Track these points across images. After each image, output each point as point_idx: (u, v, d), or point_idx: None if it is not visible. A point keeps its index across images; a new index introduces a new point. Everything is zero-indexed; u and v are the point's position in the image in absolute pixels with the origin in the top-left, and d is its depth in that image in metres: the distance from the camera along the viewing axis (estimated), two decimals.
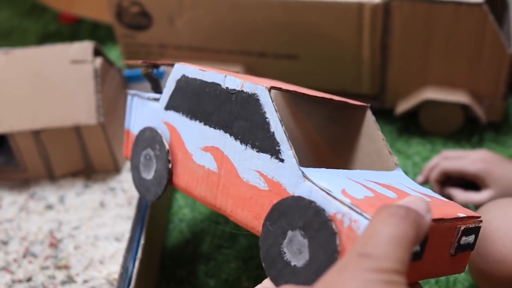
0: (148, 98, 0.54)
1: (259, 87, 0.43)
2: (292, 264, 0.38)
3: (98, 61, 0.74)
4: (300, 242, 0.38)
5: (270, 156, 0.42)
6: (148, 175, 0.53)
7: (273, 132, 0.42)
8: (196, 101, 0.49)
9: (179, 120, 0.50)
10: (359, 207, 0.35)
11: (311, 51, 0.79)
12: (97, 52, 0.76)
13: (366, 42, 0.76)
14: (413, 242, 0.32)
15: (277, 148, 0.41)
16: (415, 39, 0.74)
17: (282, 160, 0.41)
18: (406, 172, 0.73)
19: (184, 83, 0.50)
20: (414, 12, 0.72)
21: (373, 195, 0.38)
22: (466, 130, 0.79)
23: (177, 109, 0.50)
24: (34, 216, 0.71)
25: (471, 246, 0.40)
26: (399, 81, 0.78)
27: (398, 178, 0.45)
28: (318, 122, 0.57)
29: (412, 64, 0.76)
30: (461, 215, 0.38)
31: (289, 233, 0.39)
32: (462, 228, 0.38)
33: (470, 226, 0.39)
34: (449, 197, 0.69)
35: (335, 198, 0.37)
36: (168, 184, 0.51)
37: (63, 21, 1.15)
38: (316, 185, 0.38)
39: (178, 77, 0.51)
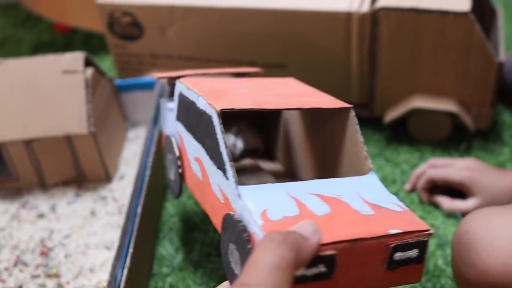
0: (168, 109, 0.61)
1: (212, 110, 0.47)
2: (235, 272, 0.42)
3: (89, 71, 0.75)
4: (235, 255, 0.42)
5: (222, 173, 0.46)
6: (171, 175, 0.60)
7: (221, 152, 0.46)
8: (187, 116, 0.54)
9: (182, 131, 0.56)
10: (264, 230, 0.38)
11: (300, 60, 0.80)
12: (88, 62, 0.76)
13: (354, 51, 0.77)
14: (292, 265, 0.33)
15: (224, 166, 0.45)
16: (402, 48, 0.75)
17: (227, 178, 0.45)
18: (394, 180, 0.74)
19: (182, 98, 0.55)
20: (401, 21, 0.73)
21: (297, 214, 0.40)
22: (455, 138, 0.80)
23: (181, 121, 0.56)
24: (25, 224, 0.72)
25: (416, 260, 0.40)
26: (388, 90, 0.79)
27: (362, 185, 0.45)
28: (315, 126, 0.59)
29: (400, 73, 0.77)
30: (393, 231, 0.39)
31: (230, 245, 0.43)
32: (393, 245, 0.39)
33: (409, 241, 0.39)
34: (437, 205, 0.70)
35: (253, 219, 0.40)
36: (181, 185, 0.58)
37: (57, 31, 1.15)
38: (245, 204, 0.41)
39: (178, 92, 0.56)
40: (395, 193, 0.71)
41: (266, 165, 0.66)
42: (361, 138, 0.49)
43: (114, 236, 0.69)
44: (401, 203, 0.43)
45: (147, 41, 0.85)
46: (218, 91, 0.51)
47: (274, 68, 0.82)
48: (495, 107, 0.77)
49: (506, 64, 0.83)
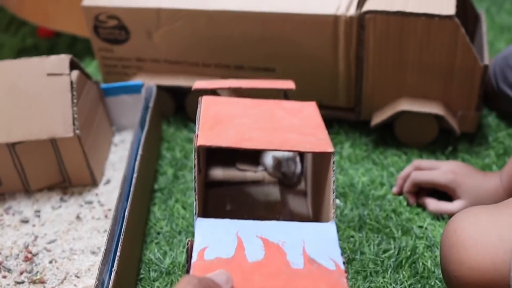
0: None
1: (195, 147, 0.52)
2: None
3: (75, 74, 0.74)
4: None
5: None
6: None
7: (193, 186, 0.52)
8: None
9: None
10: (193, 268, 0.44)
11: (287, 64, 0.80)
12: (73, 65, 0.76)
13: (341, 54, 0.77)
14: None
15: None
16: (389, 52, 0.75)
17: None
18: (382, 183, 0.74)
19: None
20: (388, 24, 0.73)
21: (229, 257, 0.45)
22: (441, 141, 0.80)
23: None
24: (8, 230, 0.70)
25: None
26: (375, 93, 0.79)
27: (314, 234, 0.48)
28: (315, 162, 0.63)
29: (386, 76, 0.77)
30: None
31: None
32: None
33: None
34: (424, 206, 0.70)
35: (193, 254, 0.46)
36: None
37: (41, 35, 1.14)
38: (195, 237, 0.47)
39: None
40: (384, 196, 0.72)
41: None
42: (333, 185, 0.51)
43: (100, 241, 0.68)
44: (340, 261, 0.46)
45: (133, 44, 0.84)
46: (220, 119, 0.55)
47: (261, 71, 0.82)
48: (480, 110, 0.77)
49: (490, 69, 0.84)
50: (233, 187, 0.68)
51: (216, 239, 0.47)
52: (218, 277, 0.43)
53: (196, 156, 0.52)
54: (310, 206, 0.64)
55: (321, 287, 0.43)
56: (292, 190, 0.68)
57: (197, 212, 0.50)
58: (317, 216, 0.58)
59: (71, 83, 0.73)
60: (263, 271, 0.44)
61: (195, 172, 0.52)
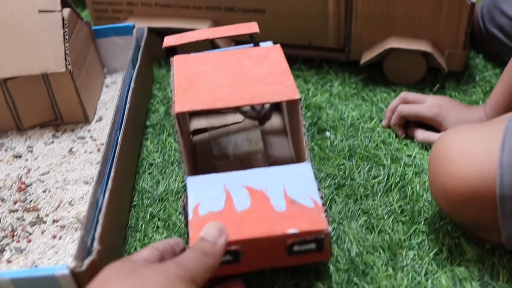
0: None
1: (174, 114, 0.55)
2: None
3: (66, 10, 0.74)
4: None
5: None
6: None
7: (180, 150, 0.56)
8: None
9: None
10: (190, 225, 0.49)
11: (277, 5, 0.81)
12: (65, 3, 0.76)
13: None
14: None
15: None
16: None
17: None
18: (371, 117, 0.75)
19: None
20: None
21: (221, 209, 0.50)
22: (429, 79, 0.81)
23: None
24: (1, 164, 0.71)
25: (316, 250, 0.49)
26: (364, 33, 0.80)
27: (292, 176, 0.53)
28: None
29: (375, 16, 0.78)
30: (291, 231, 0.47)
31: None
32: (290, 241, 0.48)
33: (306, 238, 0.48)
34: (412, 138, 0.72)
35: (189, 211, 0.50)
36: None
37: None
38: (188, 195, 0.52)
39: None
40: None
41: (274, 119, 0.72)
42: (303, 129, 0.55)
43: (93, 172, 0.68)
44: (317, 197, 0.51)
45: None
46: (192, 80, 0.58)
47: (252, 13, 0.82)
48: (467, 49, 0.78)
49: (477, 10, 0.85)
50: (217, 131, 0.70)
51: (207, 194, 0.51)
52: (209, 233, 0.47)
53: (176, 122, 0.55)
54: (291, 145, 0.66)
55: (303, 225, 0.48)
56: (273, 132, 0.69)
57: (186, 173, 0.54)
58: (297, 156, 0.61)
59: (63, 19, 0.73)
60: (251, 218, 0.49)
61: (178, 137, 0.55)
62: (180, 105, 0.55)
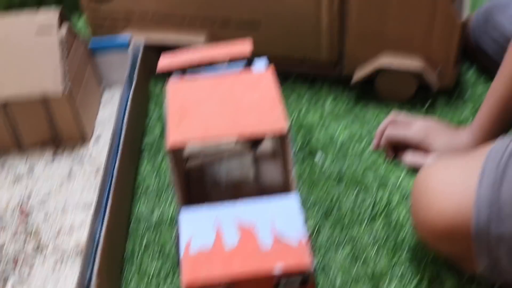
0: None
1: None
2: None
3: (64, 29, 0.76)
4: None
5: None
6: None
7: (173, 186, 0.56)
8: None
9: None
10: (182, 264, 0.50)
11: (272, 20, 0.82)
12: (62, 20, 0.77)
13: (324, 8, 0.78)
14: None
15: None
16: (371, 5, 0.76)
17: None
18: (361, 138, 0.77)
19: None
20: None
21: (210, 247, 0.52)
22: (421, 95, 0.83)
23: None
24: (3, 188, 0.73)
25: (301, 284, 0.51)
26: (357, 49, 0.81)
27: (280, 210, 0.55)
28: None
29: (368, 32, 0.79)
30: (277, 271, 0.50)
31: None
32: (276, 279, 0.50)
33: (291, 274, 0.50)
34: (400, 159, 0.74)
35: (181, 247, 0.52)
36: None
37: None
38: (181, 228, 0.53)
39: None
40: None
41: (267, 141, 0.72)
42: (291, 161, 0.57)
43: (92, 196, 0.71)
44: (303, 232, 0.52)
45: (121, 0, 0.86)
46: (185, 109, 0.60)
47: (246, 29, 0.83)
48: (458, 66, 0.79)
49: (471, 24, 0.86)
50: (210, 157, 0.71)
51: (198, 229, 0.54)
52: None
53: (172, 158, 0.56)
54: (283, 170, 0.68)
55: (288, 263, 0.51)
56: (265, 156, 0.71)
57: (179, 204, 0.56)
58: (285, 184, 0.63)
59: (61, 39, 0.75)
60: (238, 257, 0.52)
61: (171, 168, 0.57)
62: (173, 138, 0.57)
